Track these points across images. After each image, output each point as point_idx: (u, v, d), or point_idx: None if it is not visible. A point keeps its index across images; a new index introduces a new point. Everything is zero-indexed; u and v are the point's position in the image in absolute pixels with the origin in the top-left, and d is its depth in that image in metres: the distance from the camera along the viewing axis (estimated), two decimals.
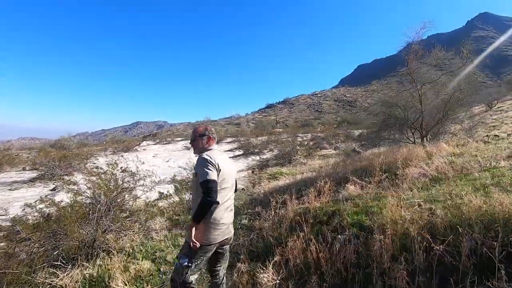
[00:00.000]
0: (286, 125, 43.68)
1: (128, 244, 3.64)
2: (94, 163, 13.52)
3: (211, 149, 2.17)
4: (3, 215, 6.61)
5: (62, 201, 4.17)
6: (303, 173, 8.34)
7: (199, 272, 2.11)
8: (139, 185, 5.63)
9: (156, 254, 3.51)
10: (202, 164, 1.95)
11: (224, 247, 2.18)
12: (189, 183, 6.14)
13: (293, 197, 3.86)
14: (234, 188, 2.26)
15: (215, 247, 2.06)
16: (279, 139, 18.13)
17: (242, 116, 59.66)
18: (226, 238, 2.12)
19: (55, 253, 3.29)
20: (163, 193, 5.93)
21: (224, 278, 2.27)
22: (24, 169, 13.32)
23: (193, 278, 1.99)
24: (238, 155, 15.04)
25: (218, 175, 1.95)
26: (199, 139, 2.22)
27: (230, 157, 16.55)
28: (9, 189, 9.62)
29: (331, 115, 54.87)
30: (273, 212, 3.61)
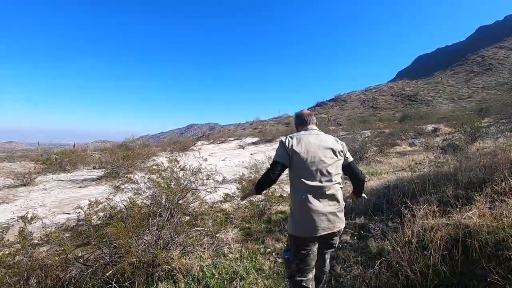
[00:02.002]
0: (338, 123, 40.99)
1: (196, 264, 2.70)
2: (155, 161, 13.61)
3: (301, 132, 2.02)
4: (68, 214, 6.46)
5: (122, 202, 3.48)
6: (388, 172, 6.74)
7: (308, 270, 1.84)
8: (203, 185, 4.80)
9: (234, 282, 2.49)
10: (277, 147, 1.95)
11: (330, 242, 1.91)
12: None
13: (434, 206, 2.48)
14: (329, 175, 1.82)
15: (311, 240, 1.81)
16: (338, 135, 16.38)
17: (291, 116, 58.10)
18: (324, 234, 1.80)
19: (109, 272, 2.51)
20: (228, 194, 5.02)
21: (327, 266, 2.00)
22: (94, 168, 13.98)
23: (300, 276, 1.83)
24: None
25: (289, 158, 1.84)
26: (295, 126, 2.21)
27: None
28: (79, 187, 9.87)
29: (388, 111, 50.03)
30: (409, 232, 2.31)
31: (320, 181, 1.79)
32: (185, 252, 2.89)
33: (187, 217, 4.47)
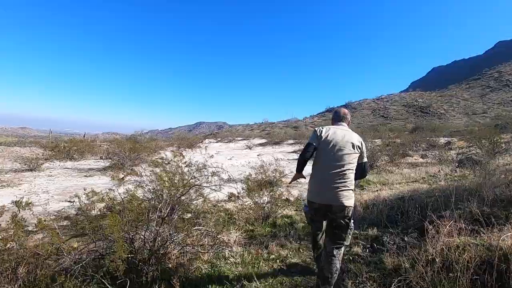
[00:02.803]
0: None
1: (195, 266, 2.50)
2: (161, 154, 13.55)
3: (332, 125, 2.47)
4: (70, 202, 6.36)
5: (121, 194, 3.32)
6: (400, 183, 6.44)
7: (319, 226, 2.43)
8: (207, 182, 4.61)
9: None
10: (311, 134, 2.42)
11: (337, 220, 2.16)
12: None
13: (461, 223, 2.22)
14: (343, 162, 2.20)
15: (318, 207, 2.24)
16: None
17: (300, 120, 57.64)
18: (328, 204, 2.17)
19: (102, 267, 2.33)
20: (233, 193, 4.82)
21: (336, 258, 2.13)
22: (101, 158, 13.99)
23: (312, 224, 2.48)
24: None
25: (318, 142, 2.29)
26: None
27: (295, 159, 15.15)
28: (84, 176, 9.83)
29: (399, 121, 49.16)
30: (432, 250, 2.06)
31: (334, 164, 2.19)
32: (183, 252, 2.69)
33: (189, 214, 4.30)
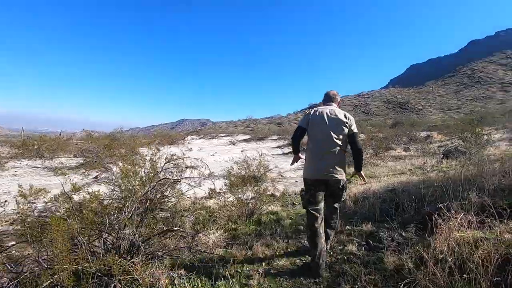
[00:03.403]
0: None
1: (165, 275, 2.08)
2: (139, 152, 12.84)
3: (322, 106, 2.56)
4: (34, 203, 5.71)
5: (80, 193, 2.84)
6: (387, 175, 6.26)
7: (315, 203, 2.35)
8: (185, 177, 4.18)
9: None
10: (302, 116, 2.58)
11: (333, 190, 2.39)
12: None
13: (471, 216, 1.93)
14: (332, 139, 2.32)
15: (312, 183, 2.38)
16: None
17: (284, 116, 57.70)
18: (322, 180, 2.34)
19: (44, 283, 1.87)
20: (214, 190, 4.41)
21: (335, 214, 2.54)
22: (74, 156, 13.09)
23: (310, 206, 2.35)
24: (289, 153, 13.25)
25: (307, 124, 2.45)
26: None
27: (279, 154, 14.87)
28: (54, 175, 9.06)
29: (379, 117, 50.25)
30: (443, 247, 1.76)
31: (324, 142, 2.32)
32: (152, 258, 2.27)
33: (165, 214, 3.86)
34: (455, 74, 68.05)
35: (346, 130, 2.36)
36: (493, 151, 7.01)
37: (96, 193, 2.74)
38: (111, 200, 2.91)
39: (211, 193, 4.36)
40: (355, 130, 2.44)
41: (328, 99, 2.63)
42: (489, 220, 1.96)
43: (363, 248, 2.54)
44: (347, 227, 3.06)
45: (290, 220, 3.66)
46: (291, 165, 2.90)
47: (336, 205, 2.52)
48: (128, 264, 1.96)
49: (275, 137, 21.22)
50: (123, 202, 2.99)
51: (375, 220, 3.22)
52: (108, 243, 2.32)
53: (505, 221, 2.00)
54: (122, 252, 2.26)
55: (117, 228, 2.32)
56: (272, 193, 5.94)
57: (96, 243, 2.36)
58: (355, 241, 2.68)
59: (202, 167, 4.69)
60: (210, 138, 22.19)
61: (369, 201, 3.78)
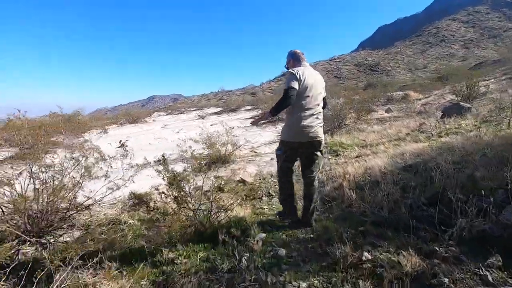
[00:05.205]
0: None
1: None
2: (86, 136, 10.73)
3: (299, 67, 2.41)
4: None
5: None
6: (379, 143, 4.99)
7: (292, 162, 2.45)
8: (96, 177, 2.57)
9: None
10: (288, 77, 2.34)
11: (314, 152, 2.39)
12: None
13: None
14: (318, 101, 2.40)
15: (298, 146, 2.36)
16: None
17: (257, 86, 55.43)
18: (309, 141, 2.33)
19: None
20: (142, 198, 2.79)
21: (315, 181, 2.45)
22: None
23: (285, 165, 2.45)
24: (264, 123, 11.74)
25: (299, 85, 2.26)
26: (288, 61, 2.61)
27: (252, 126, 13.35)
28: None
29: (351, 81, 49.64)
30: None
31: (312, 105, 2.34)
32: None
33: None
34: (422, 34, 68.07)
35: (324, 92, 2.50)
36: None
37: None
38: None
39: (136, 203, 2.70)
40: (325, 93, 2.54)
41: (299, 58, 2.51)
42: None
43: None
44: (365, 255, 1.65)
45: (265, 235, 2.22)
46: (251, 123, 2.88)
47: (315, 175, 2.45)
48: None
49: (248, 107, 19.53)
50: None
51: (401, 228, 1.85)
52: None
53: None
54: None
55: None
56: (241, 179, 4.48)
57: None
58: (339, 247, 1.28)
59: (132, 155, 3.04)
60: (178, 114, 20.01)
61: (381, 188, 2.43)
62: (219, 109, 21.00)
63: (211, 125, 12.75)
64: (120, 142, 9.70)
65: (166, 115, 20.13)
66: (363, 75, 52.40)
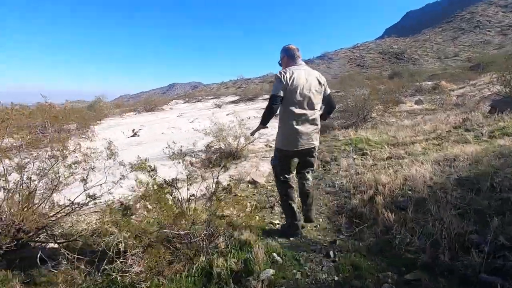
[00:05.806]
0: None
1: None
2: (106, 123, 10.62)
3: (292, 66, 2.20)
4: None
5: None
6: (417, 142, 4.24)
7: (288, 172, 2.27)
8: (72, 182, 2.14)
9: None
10: (274, 83, 2.15)
11: (308, 158, 2.30)
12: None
13: None
14: (313, 104, 2.16)
15: (293, 154, 2.22)
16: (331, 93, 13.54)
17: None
18: (303, 149, 2.19)
19: None
20: (124, 203, 2.34)
21: (309, 179, 2.36)
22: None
23: (282, 174, 2.27)
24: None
25: (285, 90, 2.06)
26: (281, 58, 2.35)
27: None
28: None
29: (375, 69, 47.06)
30: None
31: (305, 109, 2.13)
32: None
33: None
34: (453, 19, 62.88)
35: (323, 92, 2.25)
36: None
37: None
38: None
39: (126, 210, 2.24)
40: (329, 91, 2.32)
41: (295, 56, 2.24)
42: None
43: None
44: None
45: (273, 272, 1.68)
46: (251, 135, 2.68)
47: (309, 174, 2.37)
48: None
49: (266, 96, 18.83)
50: None
51: (472, 284, 1.25)
52: None
53: None
54: None
55: None
56: (252, 179, 3.95)
57: None
58: None
59: (117, 154, 2.59)
60: (195, 102, 19.69)
61: (430, 211, 1.80)
62: (236, 97, 20.45)
63: (227, 114, 12.27)
64: (133, 131, 9.49)
65: (184, 103, 19.90)
66: (387, 63, 49.51)
